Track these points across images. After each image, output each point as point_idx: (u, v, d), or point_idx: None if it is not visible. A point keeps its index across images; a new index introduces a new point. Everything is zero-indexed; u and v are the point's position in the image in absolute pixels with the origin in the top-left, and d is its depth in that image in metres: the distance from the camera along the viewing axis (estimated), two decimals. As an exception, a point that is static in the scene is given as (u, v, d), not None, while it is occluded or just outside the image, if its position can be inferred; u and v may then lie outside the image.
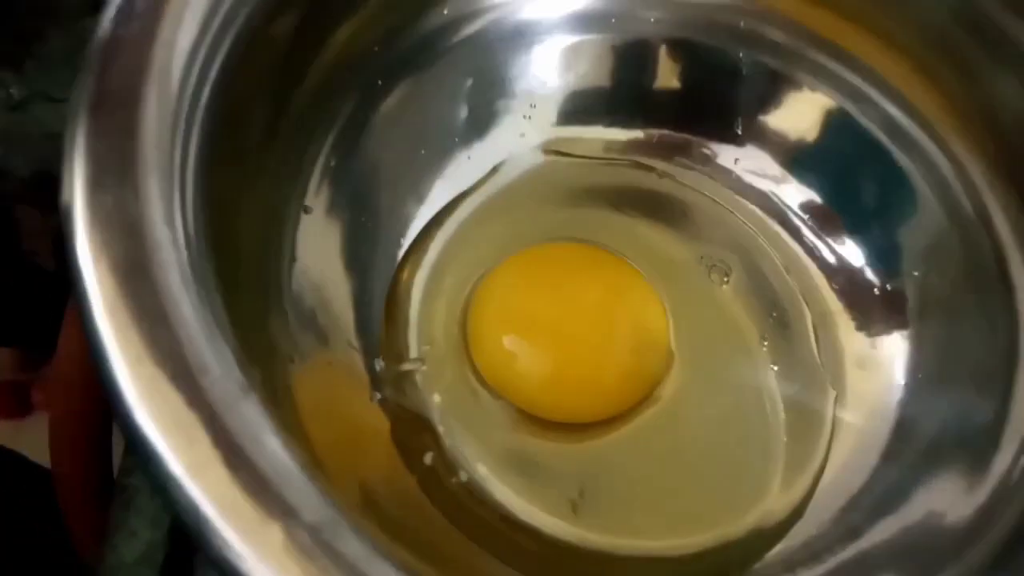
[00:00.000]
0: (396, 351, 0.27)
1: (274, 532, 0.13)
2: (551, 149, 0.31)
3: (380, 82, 0.27)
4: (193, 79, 0.18)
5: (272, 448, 0.14)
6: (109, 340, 0.15)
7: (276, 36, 0.22)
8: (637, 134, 0.31)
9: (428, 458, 0.25)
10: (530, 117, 0.31)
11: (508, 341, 0.27)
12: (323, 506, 0.14)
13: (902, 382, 0.27)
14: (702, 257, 0.29)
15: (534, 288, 0.28)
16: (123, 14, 0.18)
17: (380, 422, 0.25)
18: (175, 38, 0.18)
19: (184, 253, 0.16)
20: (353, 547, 0.14)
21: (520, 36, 0.30)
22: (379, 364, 0.26)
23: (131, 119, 0.17)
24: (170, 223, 0.16)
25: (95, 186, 0.16)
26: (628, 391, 0.27)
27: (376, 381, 0.26)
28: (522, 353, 0.27)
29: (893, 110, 0.28)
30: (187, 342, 0.15)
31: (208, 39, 0.19)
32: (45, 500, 0.26)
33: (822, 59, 0.29)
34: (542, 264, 0.29)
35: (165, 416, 0.14)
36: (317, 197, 0.26)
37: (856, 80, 0.28)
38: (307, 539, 0.13)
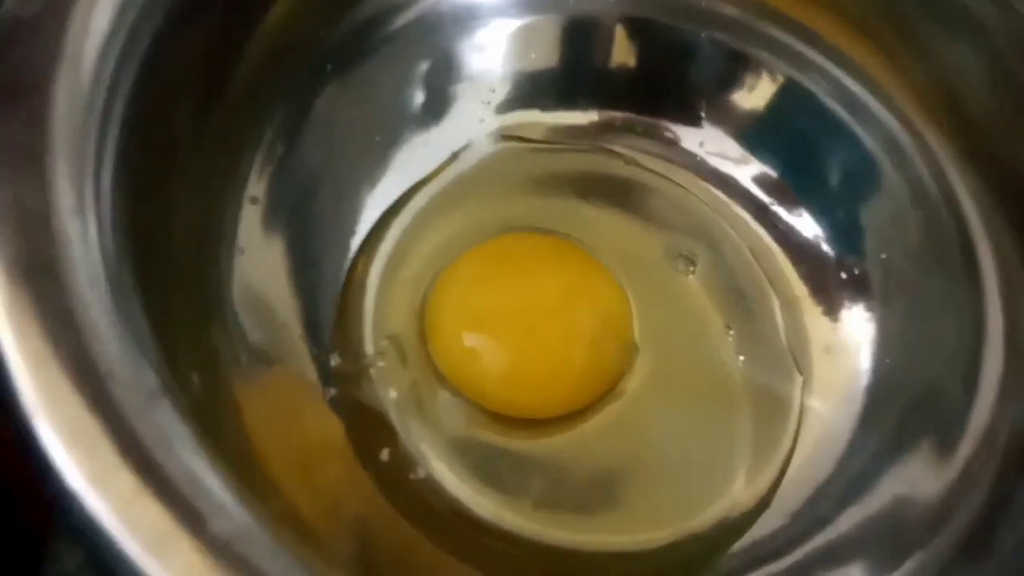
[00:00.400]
0: (350, 346, 0.26)
1: (180, 547, 0.12)
2: (511, 135, 0.30)
3: (329, 66, 0.26)
4: (111, 64, 0.17)
5: (183, 456, 0.13)
6: (8, 342, 0.14)
7: (209, 17, 0.21)
8: (598, 118, 0.30)
9: (384, 454, 0.24)
10: (489, 102, 0.30)
11: (467, 337, 0.26)
12: (237, 516, 0.13)
13: (868, 367, 0.26)
14: (668, 246, 0.29)
15: (493, 282, 0.27)
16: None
17: (333, 420, 0.25)
18: (88, 21, 0.17)
19: (95, 249, 0.15)
20: (268, 560, 0.13)
21: (473, 16, 0.29)
22: (334, 359, 0.25)
23: (35, 109, 0.16)
24: (80, 217, 0.15)
25: (-6, 180, 0.15)
26: (589, 386, 0.26)
27: (328, 378, 0.25)
28: (481, 349, 0.26)
29: (854, 86, 0.27)
30: (93, 345, 0.14)
31: (129, 21, 0.18)
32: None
33: (780, 35, 0.28)
34: (501, 257, 0.28)
35: (66, 423, 0.13)
36: (262, 186, 0.25)
37: (816, 57, 0.28)
38: (217, 552, 0.13)
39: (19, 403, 0.13)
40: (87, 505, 0.13)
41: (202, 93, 0.22)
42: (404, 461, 0.25)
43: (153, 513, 0.13)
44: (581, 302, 0.27)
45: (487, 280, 0.27)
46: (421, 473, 0.24)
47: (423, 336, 0.26)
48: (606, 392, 0.26)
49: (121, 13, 0.18)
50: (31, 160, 0.15)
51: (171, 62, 0.20)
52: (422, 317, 0.27)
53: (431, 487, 0.24)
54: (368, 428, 0.25)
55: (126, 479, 0.13)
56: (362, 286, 0.27)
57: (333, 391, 0.25)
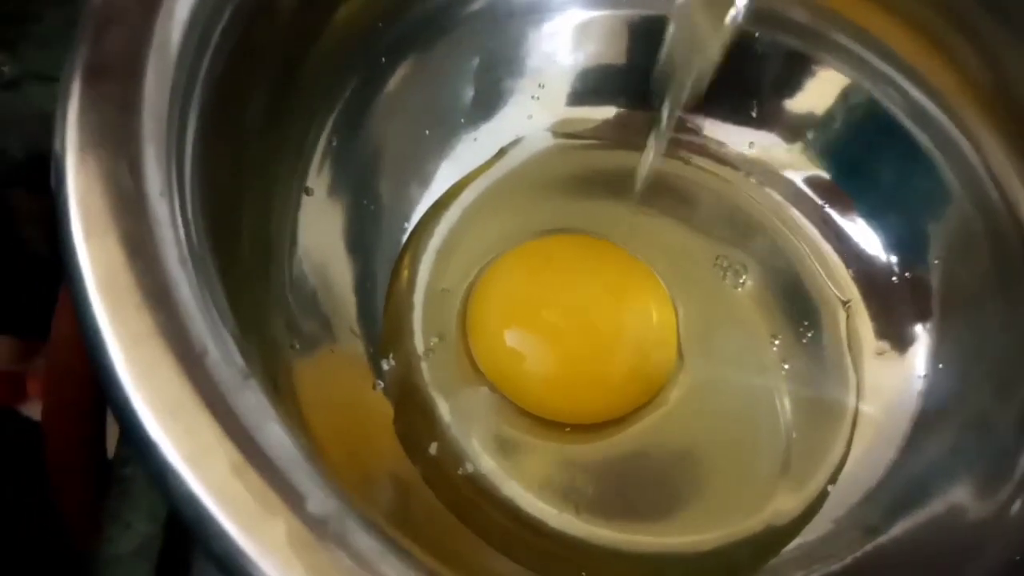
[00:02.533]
0: (400, 340, 0.26)
1: (278, 525, 0.13)
2: (560, 131, 0.30)
3: (384, 60, 0.27)
4: (192, 51, 0.18)
5: (276, 436, 0.13)
6: (103, 320, 0.14)
7: (278, 9, 0.21)
8: (648, 115, 0.30)
9: (433, 448, 0.24)
10: (539, 97, 0.30)
11: (509, 339, 0.26)
12: (330, 497, 0.13)
13: (922, 373, 0.26)
14: (717, 257, 0.28)
15: (537, 284, 0.27)
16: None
17: (383, 411, 0.25)
18: (173, 7, 0.17)
19: (182, 231, 0.15)
20: (362, 541, 0.13)
21: (529, 12, 0.29)
22: (386, 364, 0.25)
23: (128, 90, 0.16)
24: (168, 199, 0.15)
25: (89, 157, 0.15)
26: (630, 395, 0.25)
27: (380, 371, 0.25)
28: (523, 352, 0.26)
29: (915, 92, 0.27)
30: (187, 323, 0.14)
31: (207, 9, 0.18)
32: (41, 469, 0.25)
33: (841, 38, 0.28)
34: (546, 258, 0.27)
35: (164, 401, 0.13)
36: (319, 178, 0.25)
37: (876, 60, 0.28)
38: (313, 532, 0.13)
39: (117, 381, 0.13)
40: (186, 482, 0.13)
41: (272, 83, 0.22)
42: (452, 456, 0.25)
43: (252, 491, 0.13)
44: (626, 309, 0.27)
45: (531, 282, 0.27)
46: (469, 468, 0.24)
47: (465, 334, 0.26)
48: (647, 401, 0.26)
49: (200, 5, 0.18)
50: (124, 142, 0.15)
51: (245, 51, 0.20)
52: (464, 315, 0.27)
53: (477, 483, 0.24)
54: (416, 422, 0.25)
55: (225, 457, 0.13)
56: (410, 282, 0.27)
57: (383, 383, 0.25)
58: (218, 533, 0.13)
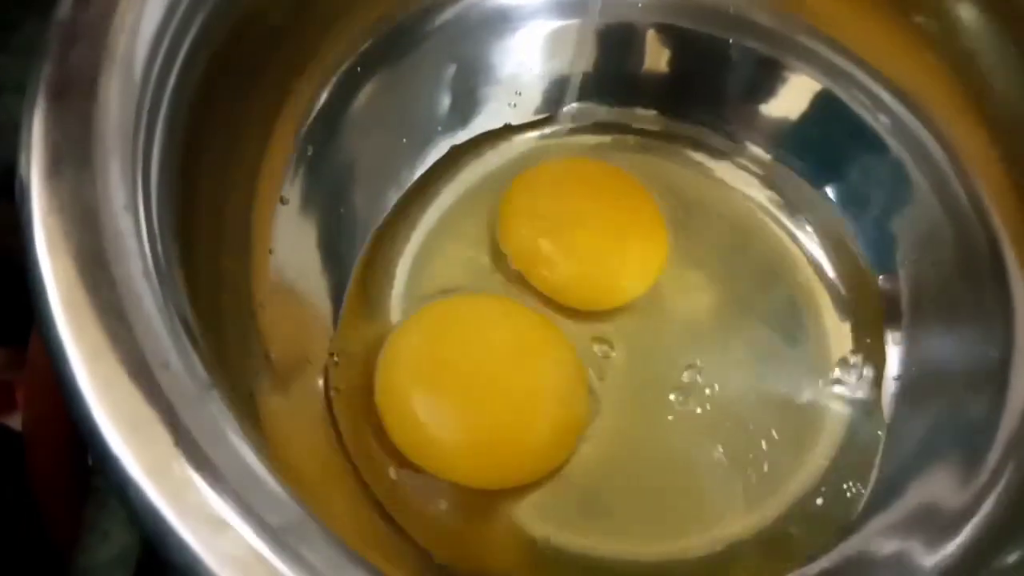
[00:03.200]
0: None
1: (237, 536, 0.13)
2: (538, 138, 0.30)
3: (359, 69, 0.27)
4: (157, 66, 0.18)
5: (236, 448, 0.14)
6: (64, 334, 0.14)
7: (245, 23, 0.21)
8: (625, 121, 0.30)
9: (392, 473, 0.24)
10: (515, 105, 0.30)
11: (423, 429, 0.23)
12: (290, 508, 0.13)
13: (896, 374, 0.26)
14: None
15: (438, 359, 0.24)
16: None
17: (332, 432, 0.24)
18: (138, 23, 0.17)
19: (147, 244, 0.15)
20: (321, 552, 0.13)
21: (502, 21, 0.29)
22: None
23: (91, 106, 0.16)
24: (132, 213, 0.16)
25: (52, 174, 0.15)
26: (552, 452, 0.24)
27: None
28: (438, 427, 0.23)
29: (884, 95, 0.27)
30: (147, 337, 0.14)
31: (173, 25, 0.18)
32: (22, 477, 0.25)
33: (811, 43, 0.28)
34: (439, 332, 0.25)
35: (124, 414, 0.13)
36: (293, 187, 0.25)
37: (845, 64, 0.28)
38: (272, 543, 0.13)
39: (78, 395, 0.13)
40: (146, 494, 0.13)
41: (242, 95, 0.22)
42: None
43: (211, 502, 0.13)
44: (532, 367, 0.25)
45: (430, 360, 0.25)
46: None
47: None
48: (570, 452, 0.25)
49: (168, 16, 0.18)
50: (87, 157, 0.15)
51: (210, 65, 0.20)
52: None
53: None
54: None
55: (184, 469, 0.13)
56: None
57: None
58: (178, 544, 0.13)
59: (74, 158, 0.15)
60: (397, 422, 0.24)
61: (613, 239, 0.27)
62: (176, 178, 0.18)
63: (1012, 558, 0.20)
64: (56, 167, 0.15)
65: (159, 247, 0.16)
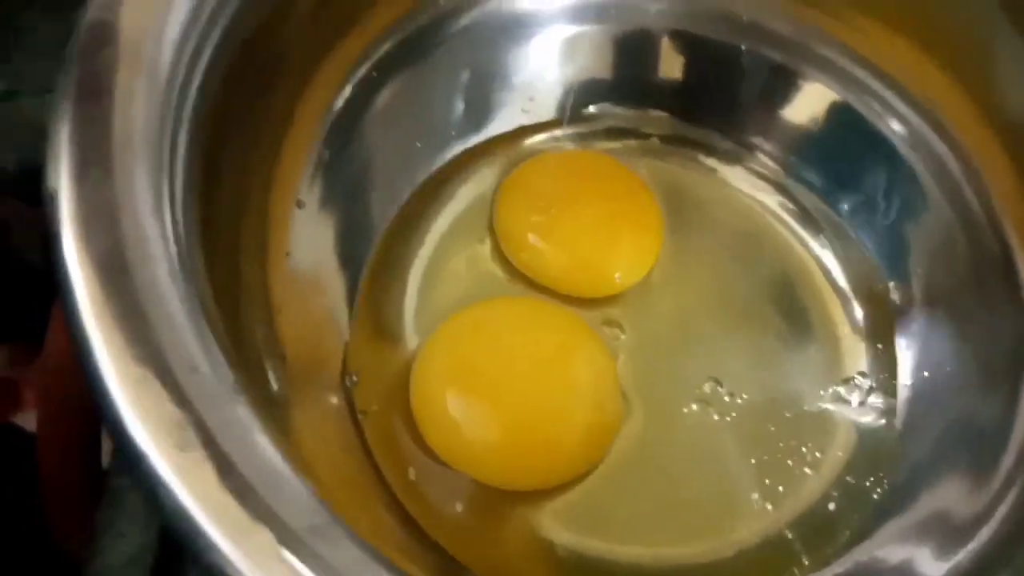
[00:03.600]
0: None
1: (264, 536, 0.13)
2: (551, 143, 0.30)
3: (375, 74, 0.27)
4: (182, 69, 0.18)
5: (263, 450, 0.14)
6: (95, 339, 0.14)
7: (267, 28, 0.22)
8: (640, 127, 0.31)
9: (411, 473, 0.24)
10: (528, 111, 0.30)
11: (459, 427, 0.24)
12: (315, 510, 0.14)
13: (908, 382, 0.27)
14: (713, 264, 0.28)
15: (474, 361, 0.25)
16: (109, 1, 0.17)
17: (355, 437, 0.24)
18: (164, 26, 0.18)
19: (173, 247, 0.16)
20: (346, 553, 0.13)
21: (518, 27, 0.29)
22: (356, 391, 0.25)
23: (118, 109, 0.16)
24: (159, 216, 0.16)
25: (80, 178, 0.15)
26: (586, 453, 0.25)
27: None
28: (475, 434, 0.24)
29: (899, 104, 0.27)
30: (175, 340, 0.14)
31: (198, 28, 0.18)
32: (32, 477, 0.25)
33: (826, 51, 0.28)
34: (473, 338, 0.25)
35: (154, 417, 0.13)
36: (310, 191, 0.25)
37: (859, 72, 0.28)
38: (298, 544, 0.13)
39: (108, 398, 0.14)
40: (176, 495, 0.13)
41: (263, 99, 0.22)
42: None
43: (240, 503, 0.13)
44: (566, 369, 0.25)
45: (467, 361, 0.25)
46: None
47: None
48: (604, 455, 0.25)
49: (192, 20, 0.18)
50: (115, 162, 0.16)
51: (231, 69, 0.20)
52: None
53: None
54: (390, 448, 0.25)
55: (213, 470, 0.13)
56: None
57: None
58: (207, 545, 0.13)
59: (102, 162, 0.15)
60: (436, 426, 0.24)
61: (605, 227, 0.28)
62: (198, 182, 0.18)
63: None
64: (83, 172, 0.15)
65: (184, 251, 0.16)
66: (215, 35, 0.19)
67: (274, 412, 0.20)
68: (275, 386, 0.21)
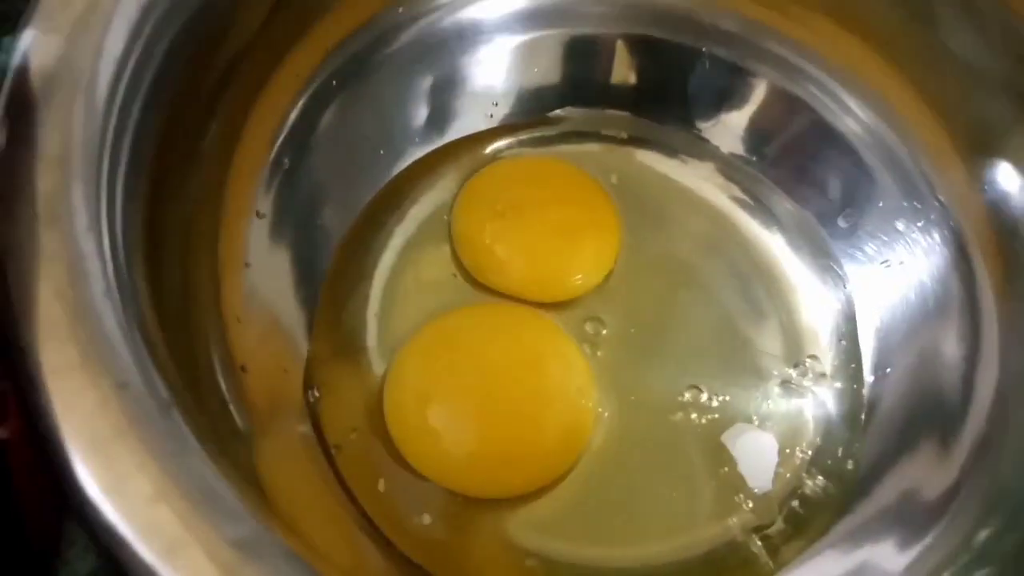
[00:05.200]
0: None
1: (195, 553, 0.13)
2: (515, 147, 0.30)
3: (334, 83, 0.27)
4: (123, 85, 0.18)
5: (195, 464, 0.14)
6: (28, 352, 0.14)
7: (216, 39, 0.22)
8: (600, 130, 0.31)
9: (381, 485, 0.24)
10: (492, 115, 0.30)
11: (434, 436, 0.24)
12: (249, 521, 0.14)
13: (868, 372, 0.27)
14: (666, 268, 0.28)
15: (446, 370, 0.25)
16: (47, 19, 0.17)
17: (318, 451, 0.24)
18: (103, 44, 0.18)
19: (110, 264, 0.16)
20: (281, 567, 0.13)
21: (476, 32, 0.29)
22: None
23: (56, 128, 0.16)
24: (95, 233, 0.16)
25: (15, 197, 0.15)
26: (563, 455, 0.25)
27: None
28: (451, 443, 0.24)
29: (848, 97, 0.28)
30: (109, 355, 0.14)
31: (140, 43, 0.18)
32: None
33: (776, 48, 0.28)
34: (448, 344, 0.25)
35: (84, 432, 0.14)
36: (269, 201, 0.25)
37: (810, 68, 0.28)
38: (231, 559, 0.13)
39: (40, 412, 0.14)
40: (104, 512, 0.13)
41: (211, 115, 0.22)
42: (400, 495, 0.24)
43: (169, 520, 0.13)
44: (539, 373, 0.25)
45: (439, 369, 0.25)
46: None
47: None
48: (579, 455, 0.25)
49: (133, 38, 0.18)
50: (50, 179, 0.16)
51: (178, 83, 0.20)
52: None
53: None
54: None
55: (143, 486, 0.13)
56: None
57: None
58: (137, 563, 0.13)
59: (36, 179, 0.16)
60: (411, 440, 0.24)
61: (560, 233, 0.28)
62: (143, 196, 0.18)
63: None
64: (19, 187, 0.15)
65: (124, 267, 0.16)
66: (159, 49, 0.19)
67: (228, 424, 0.20)
68: (232, 402, 0.21)
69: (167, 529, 0.13)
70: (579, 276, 0.27)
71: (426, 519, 0.24)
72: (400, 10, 0.28)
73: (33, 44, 0.17)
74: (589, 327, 0.27)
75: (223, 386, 0.21)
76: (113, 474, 0.13)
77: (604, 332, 0.27)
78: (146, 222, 0.18)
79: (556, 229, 0.28)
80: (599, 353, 0.27)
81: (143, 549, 0.13)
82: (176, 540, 0.13)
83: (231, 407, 0.21)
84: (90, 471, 0.13)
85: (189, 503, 0.13)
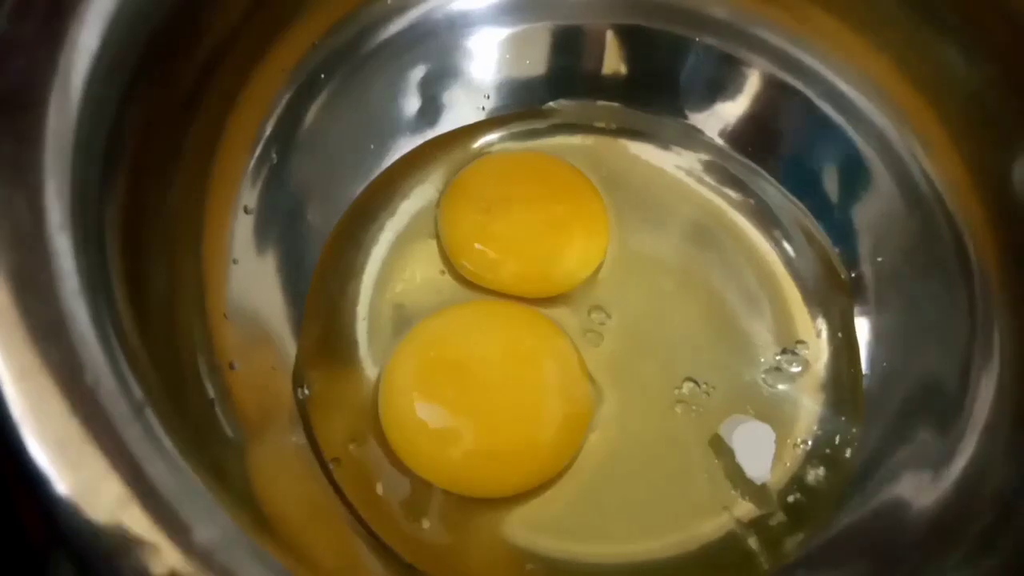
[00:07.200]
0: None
1: (164, 557, 0.13)
2: (508, 139, 0.30)
3: (322, 75, 0.27)
4: (99, 82, 0.17)
5: (165, 467, 0.14)
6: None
7: (199, 29, 0.21)
8: (591, 121, 0.30)
9: (379, 488, 0.24)
10: (483, 107, 0.30)
11: (430, 437, 0.23)
12: (220, 524, 0.13)
13: (864, 367, 0.26)
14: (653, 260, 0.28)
15: (441, 372, 0.24)
16: (21, 11, 0.17)
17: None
18: (78, 40, 0.17)
19: (83, 262, 0.15)
20: (251, 567, 0.13)
21: (467, 24, 0.29)
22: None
23: (28, 125, 0.16)
24: (69, 231, 0.15)
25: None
26: (559, 453, 0.24)
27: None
28: (447, 444, 0.23)
29: (845, 88, 0.27)
30: (80, 356, 0.14)
31: (116, 40, 0.18)
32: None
33: (768, 36, 0.28)
34: (440, 346, 0.25)
35: (51, 434, 0.13)
36: (255, 196, 0.25)
37: (807, 59, 0.28)
38: (199, 563, 0.13)
39: (7, 414, 0.13)
40: (72, 515, 0.13)
41: (188, 106, 0.22)
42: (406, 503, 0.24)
43: (138, 523, 0.13)
44: (533, 368, 0.25)
45: (434, 371, 0.24)
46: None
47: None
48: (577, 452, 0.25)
49: (110, 32, 0.18)
50: (22, 176, 0.15)
51: (156, 77, 0.20)
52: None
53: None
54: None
55: (111, 489, 0.13)
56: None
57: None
58: (105, 567, 0.13)
59: (7, 175, 0.15)
60: (408, 441, 0.24)
61: (547, 228, 0.27)
62: (121, 192, 0.18)
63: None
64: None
65: (99, 264, 0.16)
66: (136, 42, 0.19)
67: (213, 421, 0.20)
68: (219, 403, 0.21)
69: (136, 534, 0.13)
70: (567, 271, 0.27)
71: (425, 524, 0.24)
72: (388, 1, 0.27)
73: (2, 38, 0.16)
74: (579, 321, 0.27)
75: (209, 387, 0.21)
76: (81, 477, 0.13)
77: (596, 326, 0.27)
78: (125, 218, 0.18)
79: (542, 224, 0.27)
80: (591, 347, 0.26)
81: (112, 554, 0.13)
82: (144, 545, 0.13)
83: (217, 408, 0.21)
84: (57, 474, 0.13)
85: (159, 507, 0.13)
